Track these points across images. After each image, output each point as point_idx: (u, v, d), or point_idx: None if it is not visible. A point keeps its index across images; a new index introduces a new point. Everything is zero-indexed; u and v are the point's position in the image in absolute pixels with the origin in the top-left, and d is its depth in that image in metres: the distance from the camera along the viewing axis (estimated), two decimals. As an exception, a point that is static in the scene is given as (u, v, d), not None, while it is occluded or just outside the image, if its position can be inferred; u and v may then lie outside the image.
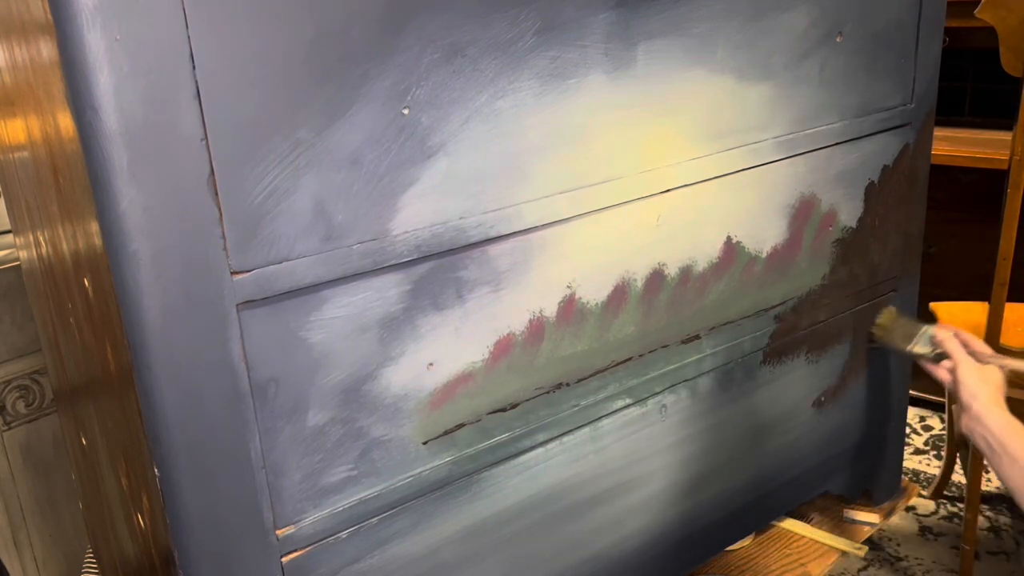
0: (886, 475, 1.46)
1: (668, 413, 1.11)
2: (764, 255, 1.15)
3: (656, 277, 1.04)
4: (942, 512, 2.17)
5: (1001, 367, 1.10)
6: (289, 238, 0.76)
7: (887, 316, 1.32)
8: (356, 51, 0.76)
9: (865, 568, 1.98)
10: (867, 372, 1.36)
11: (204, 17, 0.67)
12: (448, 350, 0.89)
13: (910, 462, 2.38)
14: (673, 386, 1.11)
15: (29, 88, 0.86)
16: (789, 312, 1.21)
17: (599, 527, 1.08)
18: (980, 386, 1.06)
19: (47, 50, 0.72)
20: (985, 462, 1.09)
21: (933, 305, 2.00)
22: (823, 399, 1.29)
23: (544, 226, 0.92)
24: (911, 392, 1.51)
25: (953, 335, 1.14)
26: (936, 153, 1.39)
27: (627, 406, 1.06)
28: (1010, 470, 0.98)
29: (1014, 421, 1.01)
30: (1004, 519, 2.11)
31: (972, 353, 1.12)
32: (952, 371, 1.11)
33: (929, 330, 1.20)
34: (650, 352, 1.07)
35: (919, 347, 1.21)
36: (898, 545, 2.05)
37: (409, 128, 0.80)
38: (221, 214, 0.72)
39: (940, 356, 1.17)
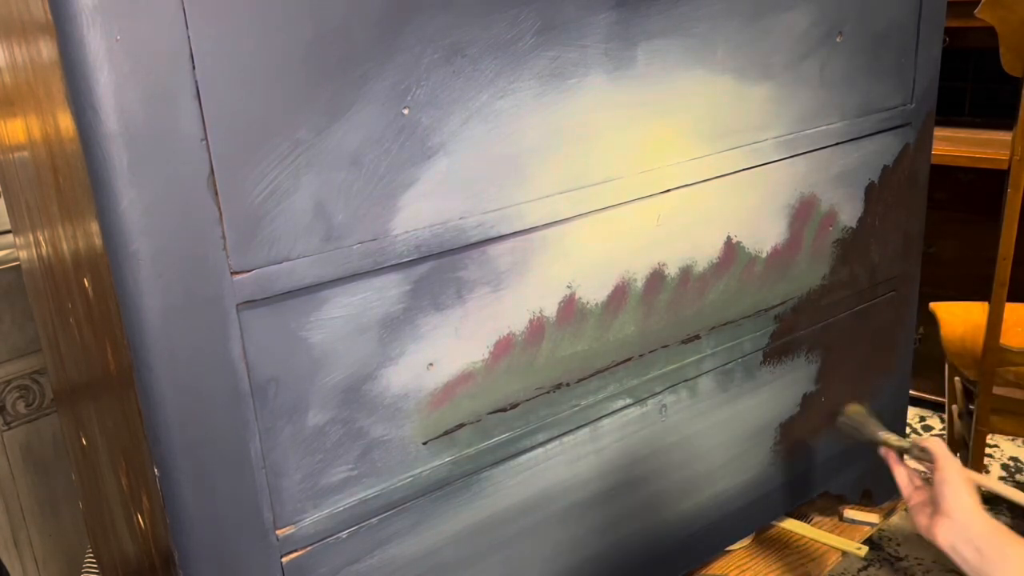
0: (886, 475, 1.46)
1: (668, 413, 1.11)
2: (764, 255, 1.15)
3: (656, 277, 1.04)
4: (942, 512, 2.16)
5: (978, 487, 1.04)
6: (289, 238, 0.76)
7: (858, 407, 1.24)
8: (356, 51, 0.76)
9: (865, 568, 1.98)
10: (866, 372, 1.36)
11: (204, 17, 0.67)
12: (448, 350, 0.89)
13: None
14: (673, 386, 1.11)
15: (29, 88, 0.86)
16: (789, 312, 1.21)
17: (599, 527, 1.08)
18: (968, 495, 1.01)
19: (47, 50, 0.72)
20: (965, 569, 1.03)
21: (933, 305, 1.99)
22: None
23: (544, 226, 0.92)
24: (911, 392, 1.51)
25: (939, 441, 1.09)
26: (936, 153, 1.39)
27: (627, 406, 1.06)
28: (1002, 570, 0.95)
29: (998, 523, 0.99)
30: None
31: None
32: (938, 473, 1.04)
33: (911, 438, 1.14)
34: (650, 352, 1.07)
35: (892, 437, 1.15)
36: (898, 545, 2.05)
37: (409, 128, 0.80)
38: (221, 214, 0.72)
39: (905, 451, 1.12)
